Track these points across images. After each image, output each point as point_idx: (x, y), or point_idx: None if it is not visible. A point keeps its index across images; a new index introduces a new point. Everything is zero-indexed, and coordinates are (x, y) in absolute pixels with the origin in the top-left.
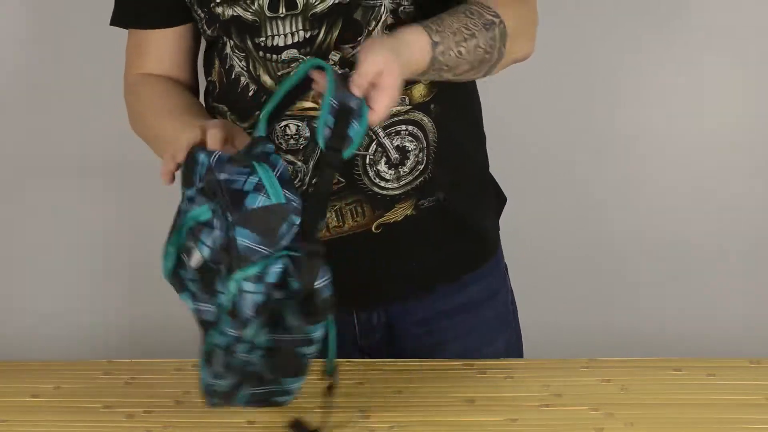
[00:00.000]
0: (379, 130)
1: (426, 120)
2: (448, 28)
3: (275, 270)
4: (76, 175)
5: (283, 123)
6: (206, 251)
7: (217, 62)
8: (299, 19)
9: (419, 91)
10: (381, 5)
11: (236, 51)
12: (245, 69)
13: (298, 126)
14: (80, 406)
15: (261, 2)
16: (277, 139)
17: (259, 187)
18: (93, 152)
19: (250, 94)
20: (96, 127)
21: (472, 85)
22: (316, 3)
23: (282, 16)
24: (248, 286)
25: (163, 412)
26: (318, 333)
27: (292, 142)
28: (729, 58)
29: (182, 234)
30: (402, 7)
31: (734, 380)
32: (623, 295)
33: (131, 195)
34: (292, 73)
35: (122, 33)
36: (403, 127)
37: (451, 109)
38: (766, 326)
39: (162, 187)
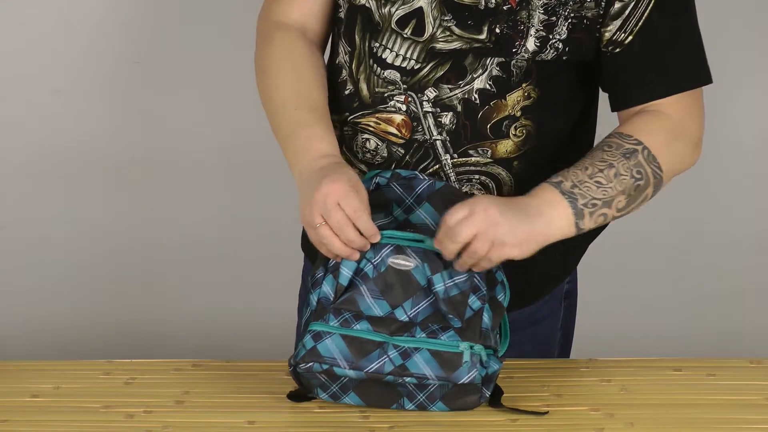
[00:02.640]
0: (451, 172)
1: (504, 175)
2: (575, 167)
3: None
4: (76, 174)
5: (366, 136)
6: None
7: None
8: (417, 48)
9: (505, 147)
10: (490, 58)
11: (344, 40)
12: (347, 64)
13: (378, 144)
14: (80, 406)
15: (392, 9)
16: (355, 148)
17: None
18: (93, 151)
19: (346, 92)
20: (97, 127)
21: (574, 153)
22: (440, 39)
23: (405, 36)
24: None
25: (163, 412)
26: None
27: (368, 155)
28: None
29: None
30: (515, 60)
31: (734, 380)
32: (624, 295)
33: (132, 195)
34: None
35: (120, 31)
36: (477, 176)
37: (538, 170)
38: (766, 326)
39: (162, 188)
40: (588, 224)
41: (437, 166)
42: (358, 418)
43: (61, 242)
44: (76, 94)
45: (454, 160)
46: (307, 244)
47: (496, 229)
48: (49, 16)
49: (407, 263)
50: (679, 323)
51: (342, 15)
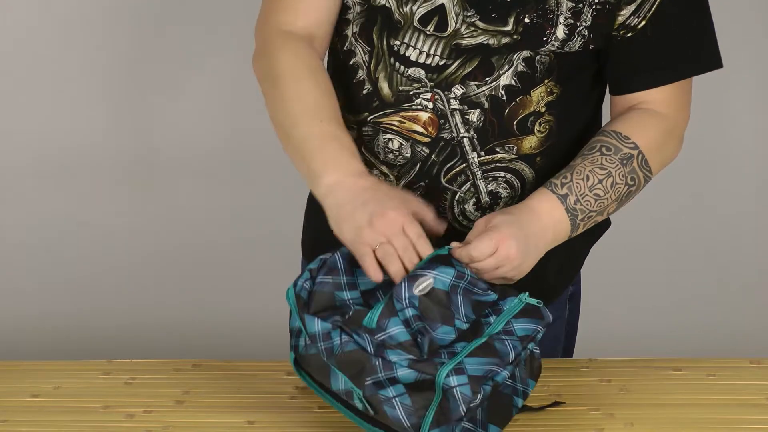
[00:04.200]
0: (477, 171)
1: (527, 171)
2: (578, 175)
3: None
4: (76, 174)
5: (388, 136)
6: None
7: (335, 37)
8: (441, 44)
9: (530, 143)
10: (517, 53)
11: (360, 40)
12: (366, 64)
13: (401, 144)
14: (80, 406)
15: (414, 8)
16: (377, 148)
17: None
18: (93, 151)
19: (364, 92)
20: (97, 126)
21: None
22: (465, 35)
23: (428, 33)
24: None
25: (163, 412)
26: (531, 388)
27: (390, 156)
28: None
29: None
30: (539, 56)
31: (734, 380)
32: (624, 295)
33: (132, 195)
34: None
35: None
36: (502, 174)
37: (557, 167)
38: (766, 326)
39: (162, 188)
40: (578, 233)
41: (464, 164)
42: None
43: (62, 242)
44: (76, 94)
45: (481, 158)
46: (306, 246)
47: (511, 270)
48: (50, 16)
49: (426, 281)
50: (679, 323)
51: (351, 17)
